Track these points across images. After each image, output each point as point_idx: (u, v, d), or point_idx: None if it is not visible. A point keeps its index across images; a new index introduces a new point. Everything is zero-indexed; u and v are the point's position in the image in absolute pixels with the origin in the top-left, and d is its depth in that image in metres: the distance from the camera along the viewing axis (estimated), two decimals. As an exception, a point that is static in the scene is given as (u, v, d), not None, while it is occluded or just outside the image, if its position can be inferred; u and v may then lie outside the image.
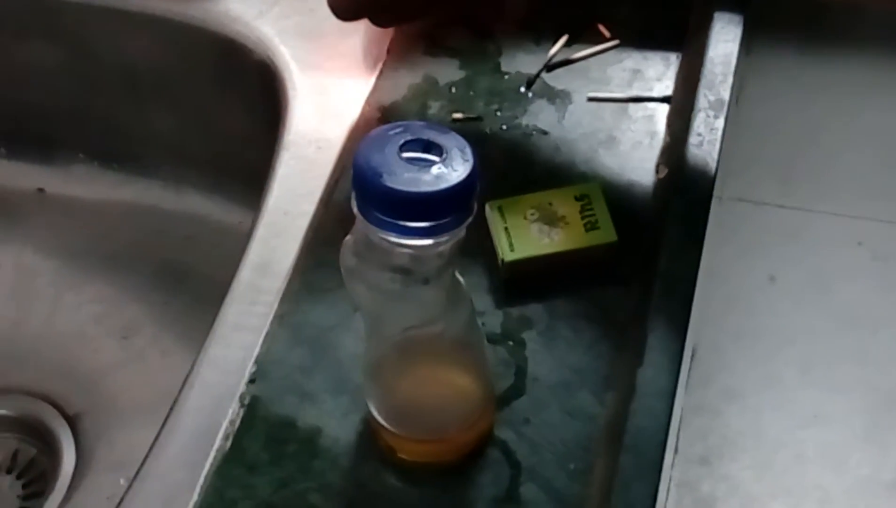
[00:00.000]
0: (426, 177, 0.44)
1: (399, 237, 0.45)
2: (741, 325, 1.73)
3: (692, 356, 1.65)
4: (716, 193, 0.68)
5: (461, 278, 0.51)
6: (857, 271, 1.78)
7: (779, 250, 1.81)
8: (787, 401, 1.65)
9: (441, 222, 0.45)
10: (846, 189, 1.86)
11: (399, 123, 0.47)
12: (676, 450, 1.57)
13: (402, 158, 0.45)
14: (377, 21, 0.75)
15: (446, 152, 0.46)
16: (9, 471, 0.84)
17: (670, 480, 1.55)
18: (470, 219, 0.46)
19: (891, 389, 1.65)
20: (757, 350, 1.70)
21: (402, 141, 0.46)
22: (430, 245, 0.46)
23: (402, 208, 0.45)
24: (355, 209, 0.46)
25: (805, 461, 1.60)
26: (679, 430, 1.58)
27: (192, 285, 0.90)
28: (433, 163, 0.45)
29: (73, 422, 0.84)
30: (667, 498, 1.52)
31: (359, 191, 0.46)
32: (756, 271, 1.78)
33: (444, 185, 0.44)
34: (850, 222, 1.83)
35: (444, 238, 0.46)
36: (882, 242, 1.81)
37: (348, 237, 0.49)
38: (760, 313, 1.74)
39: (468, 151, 0.46)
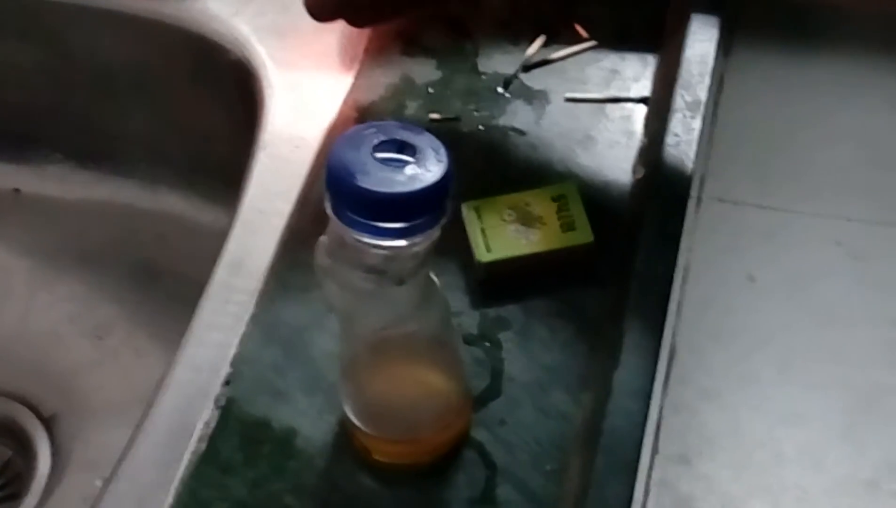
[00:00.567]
0: (400, 177, 0.44)
1: (372, 238, 0.45)
2: (720, 324, 1.72)
3: (671, 355, 1.65)
4: (694, 193, 0.68)
5: (435, 279, 0.51)
6: (835, 271, 1.78)
7: (758, 250, 1.81)
8: (766, 400, 1.65)
9: (415, 222, 0.45)
10: (825, 189, 1.86)
11: (373, 123, 0.46)
12: (656, 450, 1.57)
13: (375, 159, 0.45)
14: (353, 21, 0.75)
15: (420, 153, 0.45)
16: (-17, 473, 0.84)
17: (650, 479, 1.55)
18: (444, 220, 0.46)
19: (869, 388, 1.65)
20: (735, 349, 1.70)
21: (375, 141, 0.45)
22: (403, 246, 0.46)
23: (375, 208, 0.44)
24: (329, 210, 0.46)
25: (783, 459, 1.59)
26: (658, 429, 1.58)
27: (166, 284, 0.90)
28: (407, 163, 0.45)
29: (48, 423, 0.84)
30: (646, 498, 1.52)
31: (332, 191, 0.45)
32: (735, 271, 1.78)
33: (417, 185, 0.44)
34: (829, 222, 1.83)
35: (417, 239, 0.46)
36: (861, 242, 1.81)
37: (322, 237, 0.49)
38: (739, 313, 1.74)
39: (442, 151, 0.46)
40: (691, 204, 0.67)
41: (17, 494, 0.82)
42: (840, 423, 1.61)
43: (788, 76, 2.00)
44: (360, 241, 0.45)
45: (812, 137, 1.93)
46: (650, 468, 1.54)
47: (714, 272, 1.76)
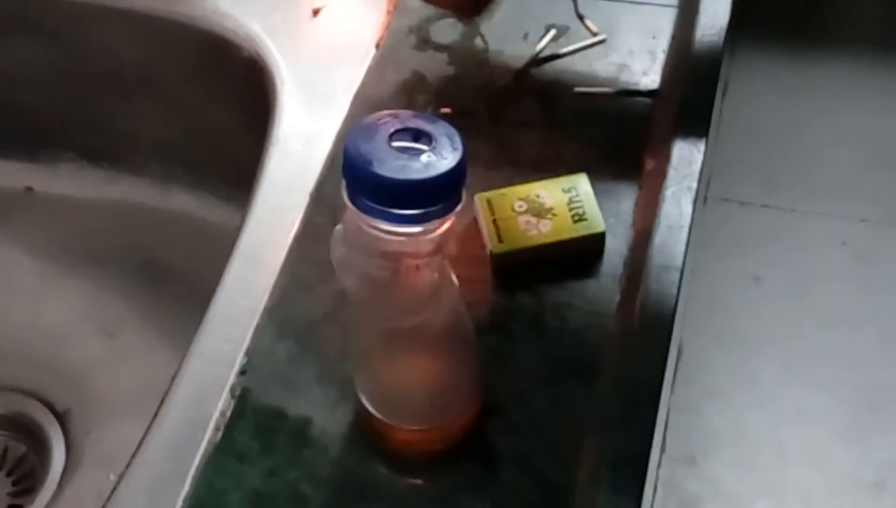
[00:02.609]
0: (415, 165, 0.45)
1: (389, 225, 0.46)
2: (725, 324, 1.73)
3: (677, 354, 1.66)
4: (700, 192, 0.69)
5: (449, 268, 0.52)
6: (840, 272, 1.79)
7: (763, 250, 1.82)
8: (770, 400, 1.66)
9: (430, 209, 0.46)
10: (830, 190, 1.88)
11: (389, 112, 0.47)
12: (663, 449, 1.57)
13: (391, 147, 0.46)
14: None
15: (435, 141, 0.46)
16: (-2, 468, 0.85)
17: (657, 478, 1.56)
18: (459, 207, 0.47)
19: (873, 388, 1.66)
20: (740, 349, 1.71)
21: (391, 130, 0.46)
22: (419, 232, 0.46)
23: (391, 195, 0.45)
24: (345, 197, 0.46)
25: (788, 459, 1.60)
26: (665, 429, 1.58)
27: (177, 282, 0.91)
28: (422, 151, 0.46)
29: (62, 419, 0.85)
30: (654, 497, 1.52)
31: (349, 179, 0.46)
32: (740, 271, 1.79)
33: (433, 172, 0.45)
34: (834, 222, 1.84)
35: (433, 225, 0.46)
36: (866, 242, 1.82)
37: (338, 226, 0.49)
38: (744, 313, 1.75)
39: (457, 139, 0.46)
40: (697, 204, 0.67)
41: (32, 489, 0.82)
42: (844, 423, 1.62)
43: (793, 77, 2.01)
44: (376, 228, 0.46)
45: (817, 138, 1.94)
46: (658, 467, 1.55)
47: (719, 272, 1.77)
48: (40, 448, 0.84)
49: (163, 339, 0.88)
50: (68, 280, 0.91)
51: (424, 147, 0.46)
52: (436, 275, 0.50)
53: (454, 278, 0.52)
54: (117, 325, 0.89)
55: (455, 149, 0.46)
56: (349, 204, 0.46)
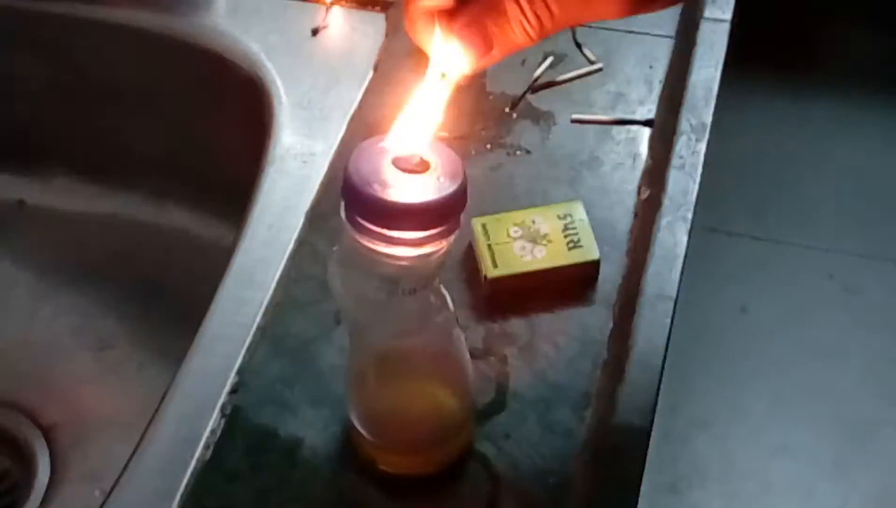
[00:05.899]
0: (415, 188, 0.45)
1: (386, 247, 0.46)
2: (711, 354, 1.74)
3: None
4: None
5: (445, 292, 0.52)
6: (827, 304, 1.79)
7: (751, 282, 1.82)
8: (756, 431, 1.66)
9: (429, 233, 0.46)
10: (818, 222, 1.89)
11: (391, 134, 0.47)
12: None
13: (392, 169, 0.46)
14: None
15: (436, 165, 0.46)
16: (-18, 482, 0.84)
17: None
18: (457, 231, 0.47)
19: (859, 421, 1.67)
20: (726, 380, 1.71)
21: (393, 152, 0.46)
22: (416, 256, 0.46)
23: (390, 218, 0.45)
24: (343, 218, 0.46)
25: (772, 491, 1.60)
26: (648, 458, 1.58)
27: (169, 299, 0.90)
28: (423, 175, 0.46)
29: (47, 433, 0.84)
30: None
31: (348, 200, 0.46)
32: (727, 302, 1.80)
33: (433, 196, 0.45)
34: (821, 255, 1.85)
35: (430, 249, 0.46)
36: (853, 275, 1.83)
37: (336, 247, 0.49)
38: (731, 344, 1.75)
39: (458, 164, 0.46)
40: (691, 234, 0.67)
41: (15, 504, 0.81)
42: (830, 456, 1.62)
43: (784, 109, 2.02)
44: (373, 249, 0.46)
45: (806, 171, 1.95)
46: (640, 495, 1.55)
47: (707, 302, 1.77)
48: (25, 462, 0.83)
49: (153, 356, 0.88)
50: (59, 294, 0.91)
51: (425, 171, 0.46)
52: (431, 298, 0.50)
53: (449, 301, 0.52)
54: (108, 341, 0.89)
55: (455, 174, 0.46)
56: (347, 225, 0.46)
